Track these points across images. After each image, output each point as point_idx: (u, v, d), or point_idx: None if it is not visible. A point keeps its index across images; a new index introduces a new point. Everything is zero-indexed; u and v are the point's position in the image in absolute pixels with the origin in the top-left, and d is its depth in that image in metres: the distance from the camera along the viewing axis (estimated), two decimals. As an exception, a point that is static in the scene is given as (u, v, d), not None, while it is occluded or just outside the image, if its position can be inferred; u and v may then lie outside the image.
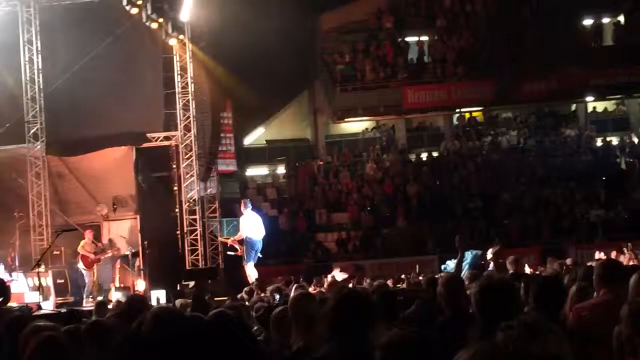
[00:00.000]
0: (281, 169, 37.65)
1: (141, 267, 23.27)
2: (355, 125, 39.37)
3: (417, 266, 24.70)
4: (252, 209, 21.56)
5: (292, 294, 7.29)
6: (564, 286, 5.55)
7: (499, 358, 1.98)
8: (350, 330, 4.39)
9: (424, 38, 39.41)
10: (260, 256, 21.48)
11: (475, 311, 4.78)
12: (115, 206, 24.31)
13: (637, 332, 4.09)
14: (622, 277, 5.99)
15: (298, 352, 5.65)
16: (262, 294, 14.60)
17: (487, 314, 4.65)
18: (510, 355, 1.98)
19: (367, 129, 39.54)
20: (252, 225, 21.23)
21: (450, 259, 17.81)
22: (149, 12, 22.37)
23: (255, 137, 39.39)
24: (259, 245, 21.33)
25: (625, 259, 14.24)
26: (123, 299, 8.58)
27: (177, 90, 25.52)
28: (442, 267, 22.05)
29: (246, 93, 31.64)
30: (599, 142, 37.49)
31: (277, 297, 12.44)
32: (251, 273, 20.98)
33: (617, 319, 4.93)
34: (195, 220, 26.07)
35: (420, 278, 17.13)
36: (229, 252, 22.16)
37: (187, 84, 25.61)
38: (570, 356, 2.97)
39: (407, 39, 39.21)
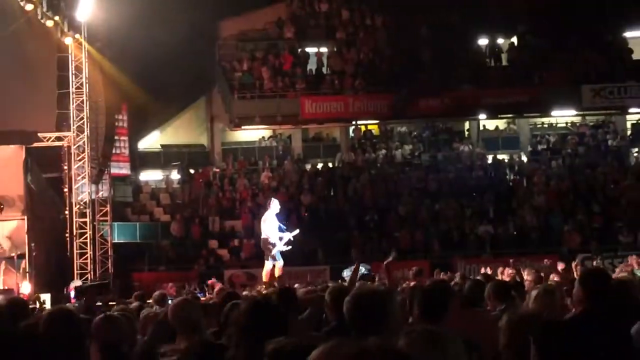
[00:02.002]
0: (176, 175, 37.28)
1: (27, 269, 22.69)
2: (252, 134, 39.35)
3: (308, 276, 24.79)
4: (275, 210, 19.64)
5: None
6: (447, 296, 5.67)
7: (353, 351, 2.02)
8: (260, 336, 4.39)
9: (323, 49, 39.71)
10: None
11: (347, 320, 4.80)
12: (1, 206, 23.63)
13: (510, 344, 4.22)
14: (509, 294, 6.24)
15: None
16: (149, 301, 14.40)
17: (357, 323, 4.69)
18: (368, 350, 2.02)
19: (263, 137, 39.58)
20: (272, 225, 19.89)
21: (347, 268, 18.02)
22: (45, 9, 21.93)
23: (151, 141, 38.95)
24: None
25: (507, 275, 14.58)
26: (4, 302, 8.37)
27: (71, 90, 25.07)
28: (344, 274, 22.25)
29: (142, 96, 31.34)
30: (489, 159, 38.42)
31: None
32: (268, 271, 19.63)
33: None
34: (85, 223, 25.64)
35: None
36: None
37: (81, 84, 25.19)
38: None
39: (307, 49, 39.44)
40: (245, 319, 4.52)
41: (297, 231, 19.79)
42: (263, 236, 19.34)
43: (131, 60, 29.46)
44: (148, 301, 14.29)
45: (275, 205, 19.44)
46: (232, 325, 4.75)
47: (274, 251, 19.04)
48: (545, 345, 4.44)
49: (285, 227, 19.64)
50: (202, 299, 15.74)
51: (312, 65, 38.84)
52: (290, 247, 19.51)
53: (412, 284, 10.69)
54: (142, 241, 32.47)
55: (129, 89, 29.36)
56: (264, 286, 18.51)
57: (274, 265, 19.10)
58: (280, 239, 19.14)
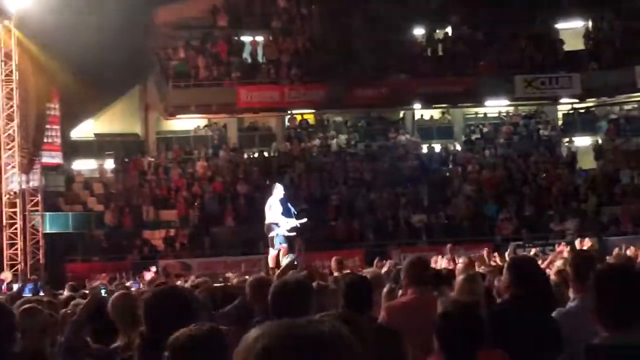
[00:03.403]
0: (109, 164, 36.82)
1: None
2: (187, 123, 39.02)
3: (243, 265, 24.74)
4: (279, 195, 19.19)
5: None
6: (370, 286, 5.72)
7: (284, 337, 2.00)
8: (167, 327, 4.32)
9: (259, 38, 39.58)
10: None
11: (270, 309, 4.82)
12: None
13: (436, 334, 4.26)
14: (428, 279, 6.30)
15: (116, 349, 5.59)
16: (86, 291, 14.24)
17: (280, 312, 4.71)
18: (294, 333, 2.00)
19: (198, 126, 39.31)
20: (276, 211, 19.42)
21: (286, 256, 17.92)
22: (-27, -5, 21.44)
23: (84, 130, 38.39)
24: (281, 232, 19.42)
25: (445, 262, 14.74)
26: None
27: (0, 78, 24.57)
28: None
29: (75, 84, 30.86)
30: (424, 149, 38.74)
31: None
32: (273, 257, 19.10)
33: (422, 317, 5.14)
34: (15, 213, 25.24)
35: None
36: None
37: (11, 72, 24.76)
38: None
39: (242, 38, 39.27)
40: (148, 309, 4.42)
41: (304, 219, 19.53)
42: (267, 222, 19.03)
43: (63, 49, 28.98)
44: (85, 291, 14.16)
45: (279, 191, 19.22)
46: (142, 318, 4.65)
47: (272, 234, 18.68)
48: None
49: (295, 212, 19.37)
50: (134, 290, 15.58)
51: (247, 54, 38.69)
52: (294, 233, 19.22)
53: (335, 274, 10.69)
54: (75, 231, 32.07)
55: (61, 77, 28.90)
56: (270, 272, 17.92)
57: (279, 251, 18.65)
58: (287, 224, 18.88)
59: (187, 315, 4.27)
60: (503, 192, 34.15)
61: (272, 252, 18.76)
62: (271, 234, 18.69)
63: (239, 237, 32.12)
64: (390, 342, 5.22)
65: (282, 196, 19.18)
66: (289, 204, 19.31)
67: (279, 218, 18.81)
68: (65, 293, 14.42)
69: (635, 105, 39.64)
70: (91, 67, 31.98)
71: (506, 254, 16.25)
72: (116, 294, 7.01)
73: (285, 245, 18.67)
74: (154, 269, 26.10)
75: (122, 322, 5.87)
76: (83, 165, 37.29)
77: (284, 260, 16.49)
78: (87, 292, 13.64)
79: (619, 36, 38.49)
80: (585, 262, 5.76)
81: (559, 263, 8.82)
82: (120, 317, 5.94)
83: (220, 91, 36.57)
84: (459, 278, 6.87)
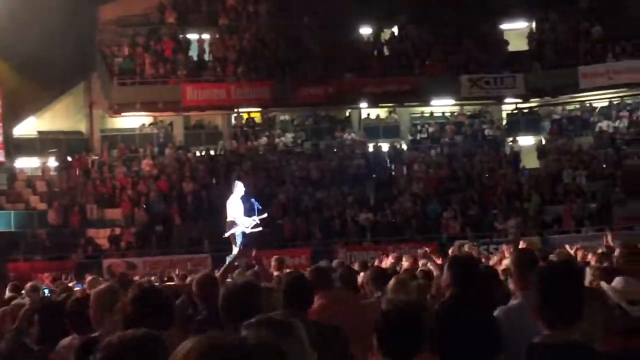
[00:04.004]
0: (53, 162, 36.31)
1: None
2: (132, 121, 38.66)
3: (189, 264, 24.60)
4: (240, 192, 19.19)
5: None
6: (309, 285, 5.73)
7: (219, 348, 2.01)
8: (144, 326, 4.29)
9: (206, 36, 39.38)
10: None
11: (220, 310, 4.82)
12: None
13: (376, 333, 4.26)
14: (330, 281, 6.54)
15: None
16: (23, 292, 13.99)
17: (231, 314, 4.71)
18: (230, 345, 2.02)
19: (144, 124, 38.96)
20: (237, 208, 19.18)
21: (228, 256, 17.81)
22: None
23: (27, 127, 37.80)
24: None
25: (392, 261, 14.72)
26: None
27: (-60, 73, 24.10)
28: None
29: (17, 81, 30.44)
30: (370, 148, 38.88)
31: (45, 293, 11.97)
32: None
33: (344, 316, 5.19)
34: (-45, 212, 24.74)
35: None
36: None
37: (-49, 67, 24.24)
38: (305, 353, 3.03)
39: (189, 35, 39.04)
40: (131, 308, 4.40)
41: (265, 215, 19.44)
42: (228, 219, 18.87)
43: (4, 45, 28.58)
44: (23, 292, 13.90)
45: (240, 188, 19.10)
46: (116, 313, 4.62)
47: (231, 232, 18.52)
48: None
49: (260, 208, 19.24)
50: (77, 289, 15.37)
51: (194, 52, 38.48)
52: (260, 229, 19.09)
53: (276, 273, 10.68)
54: (17, 230, 31.64)
55: (2, 73, 28.44)
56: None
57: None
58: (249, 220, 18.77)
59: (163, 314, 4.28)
60: (448, 191, 34.40)
61: (235, 252, 18.55)
62: (231, 232, 18.62)
63: (185, 236, 31.96)
64: (333, 339, 5.23)
65: (242, 194, 19.14)
66: (252, 200, 19.24)
67: (239, 216, 18.77)
68: (7, 293, 14.19)
69: (578, 106, 40.25)
70: (34, 63, 31.55)
71: (450, 252, 16.36)
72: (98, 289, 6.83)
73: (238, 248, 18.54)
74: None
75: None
76: (26, 164, 36.72)
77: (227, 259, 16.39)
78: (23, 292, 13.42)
79: (562, 37, 39.05)
80: (527, 260, 5.82)
81: (507, 262, 8.90)
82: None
83: (166, 89, 36.33)
84: (392, 281, 6.91)
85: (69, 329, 5.98)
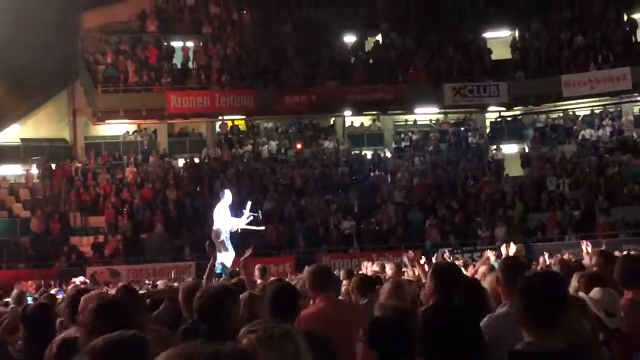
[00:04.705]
0: (36, 169, 36.15)
1: None
2: (116, 128, 38.58)
3: (173, 272, 24.51)
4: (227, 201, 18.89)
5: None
6: (296, 293, 5.74)
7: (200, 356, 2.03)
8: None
9: (190, 44, 39.36)
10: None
11: (196, 316, 4.84)
12: None
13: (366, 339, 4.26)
14: (334, 284, 6.39)
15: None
16: (7, 299, 13.91)
17: (205, 318, 4.72)
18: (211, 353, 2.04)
19: (128, 132, 38.88)
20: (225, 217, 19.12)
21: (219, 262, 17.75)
22: None
23: (10, 134, 37.64)
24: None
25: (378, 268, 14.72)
26: None
27: None
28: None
29: (0, 88, 30.29)
30: (354, 156, 38.91)
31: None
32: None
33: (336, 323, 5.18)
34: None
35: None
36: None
37: None
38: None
39: (173, 43, 39.01)
40: (91, 319, 4.40)
41: (258, 212, 19.45)
42: (214, 227, 18.79)
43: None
44: (7, 300, 13.83)
45: (227, 197, 19.06)
46: (79, 325, 4.64)
47: (221, 238, 18.43)
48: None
49: (256, 214, 19.24)
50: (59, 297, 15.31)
51: (178, 60, 38.44)
52: (262, 227, 19.14)
53: (259, 281, 10.68)
54: (0, 238, 31.44)
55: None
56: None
57: (236, 255, 18.30)
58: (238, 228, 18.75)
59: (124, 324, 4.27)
60: (432, 199, 34.46)
61: (229, 255, 18.40)
62: (220, 239, 18.53)
63: (169, 244, 31.88)
64: (320, 348, 5.23)
65: (230, 202, 19.11)
66: (248, 204, 19.23)
67: (225, 225, 18.74)
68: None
69: (561, 114, 40.44)
70: (17, 70, 31.43)
71: (433, 259, 16.38)
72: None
73: (232, 253, 18.50)
74: (81, 278, 25.64)
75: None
76: (8, 171, 36.57)
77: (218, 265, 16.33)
78: (8, 300, 13.36)
79: (545, 46, 39.24)
80: (515, 267, 5.84)
81: (483, 269, 8.91)
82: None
83: (149, 96, 36.26)
84: (387, 285, 6.93)
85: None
